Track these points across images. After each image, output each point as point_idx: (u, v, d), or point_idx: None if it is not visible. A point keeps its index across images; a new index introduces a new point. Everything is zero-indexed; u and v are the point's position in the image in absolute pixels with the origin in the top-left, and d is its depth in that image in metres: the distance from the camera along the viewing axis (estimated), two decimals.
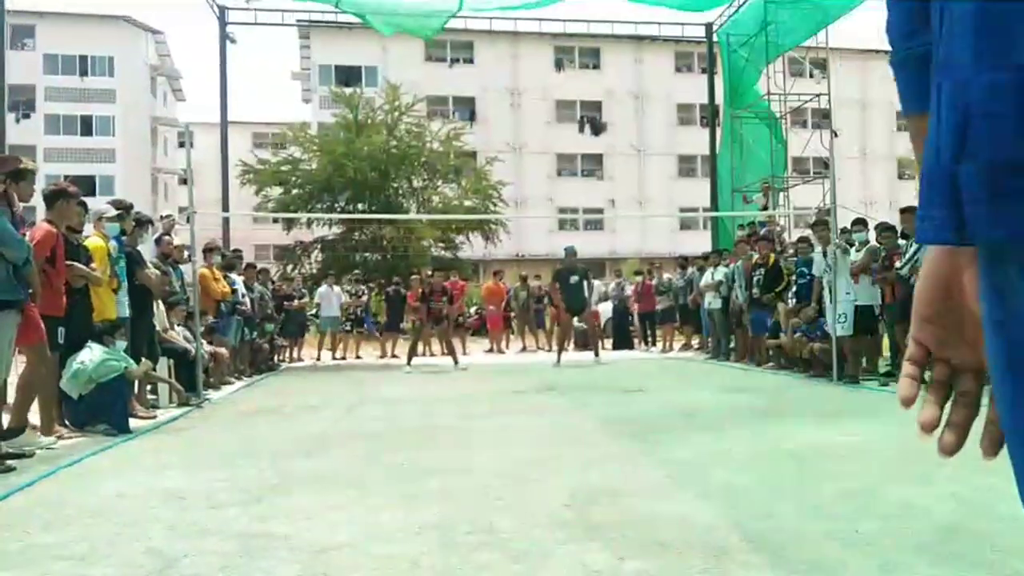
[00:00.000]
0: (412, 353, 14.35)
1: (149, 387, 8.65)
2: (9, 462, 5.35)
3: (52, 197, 6.63)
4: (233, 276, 12.52)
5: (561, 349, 14.72)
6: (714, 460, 5.18)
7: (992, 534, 3.38)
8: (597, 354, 14.61)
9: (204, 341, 9.93)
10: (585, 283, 14.39)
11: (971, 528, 3.47)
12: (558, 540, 3.46)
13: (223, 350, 11.20)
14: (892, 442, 5.70)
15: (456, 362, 13.94)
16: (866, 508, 3.86)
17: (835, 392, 9.22)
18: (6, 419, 6.11)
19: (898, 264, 9.72)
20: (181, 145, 48.03)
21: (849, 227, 10.70)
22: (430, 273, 15.47)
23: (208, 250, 11.45)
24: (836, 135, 16.13)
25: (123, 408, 7.06)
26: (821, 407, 7.83)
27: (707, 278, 14.72)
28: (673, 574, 2.98)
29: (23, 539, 3.68)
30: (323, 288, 17.77)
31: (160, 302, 9.60)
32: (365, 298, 18.13)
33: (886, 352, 10.90)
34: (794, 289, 11.76)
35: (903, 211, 10.36)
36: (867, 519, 3.65)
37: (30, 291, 5.95)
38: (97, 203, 8.24)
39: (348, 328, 17.83)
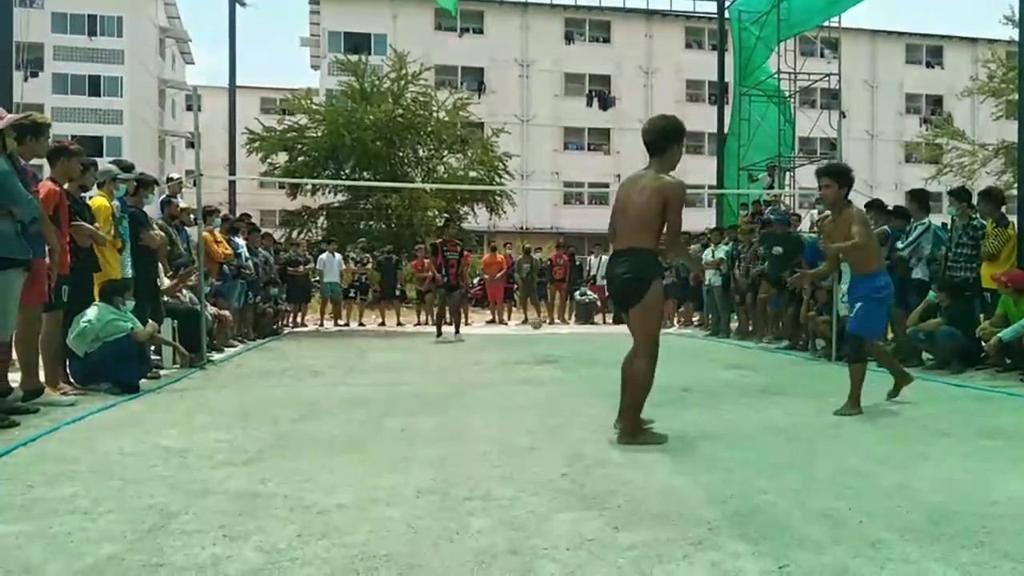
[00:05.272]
0: (440, 321, 13.95)
1: (152, 348, 8.69)
2: (13, 417, 5.40)
3: (53, 155, 6.64)
4: (237, 240, 12.53)
5: (457, 325, 14.14)
6: (709, 435, 5.21)
7: (984, 517, 3.40)
8: (458, 331, 13.93)
9: (208, 303, 9.96)
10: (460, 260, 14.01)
11: (963, 510, 3.49)
12: (554, 508, 3.50)
13: (227, 313, 11.25)
14: (887, 423, 5.75)
15: (457, 331, 13.86)
16: (859, 488, 3.88)
17: (833, 371, 9.22)
18: (16, 377, 6.15)
19: (899, 245, 9.70)
20: (189, 108, 47.89)
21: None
22: (441, 240, 14.65)
23: (208, 213, 11.37)
24: (844, 116, 16.06)
25: (129, 367, 7.09)
26: (818, 386, 7.87)
27: (708, 255, 14.71)
28: (666, 546, 3.02)
29: (27, 493, 3.73)
30: (324, 255, 17.83)
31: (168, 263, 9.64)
32: (369, 266, 18.20)
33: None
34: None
35: (909, 194, 10.31)
36: (860, 499, 3.68)
37: (47, 248, 5.98)
38: (102, 164, 8.23)
39: (352, 295, 17.94)
